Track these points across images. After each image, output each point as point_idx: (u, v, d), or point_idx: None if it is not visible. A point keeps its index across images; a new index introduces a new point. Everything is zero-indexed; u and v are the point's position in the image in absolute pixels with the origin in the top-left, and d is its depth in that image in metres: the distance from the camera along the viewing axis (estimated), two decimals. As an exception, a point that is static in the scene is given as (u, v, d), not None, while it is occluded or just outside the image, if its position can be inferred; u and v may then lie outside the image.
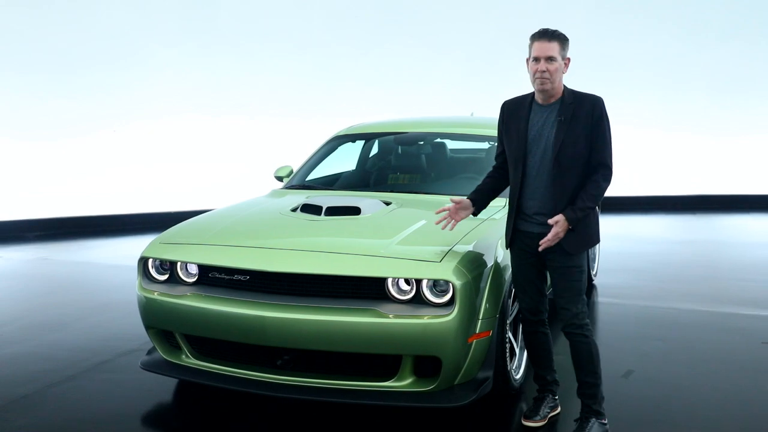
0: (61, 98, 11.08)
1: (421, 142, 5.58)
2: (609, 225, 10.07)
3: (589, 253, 6.44)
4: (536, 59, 3.27)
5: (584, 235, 3.37)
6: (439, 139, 5.55)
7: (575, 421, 3.46)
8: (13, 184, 10.54)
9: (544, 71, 3.26)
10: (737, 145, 12.85)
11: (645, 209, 12.05)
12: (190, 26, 11.88)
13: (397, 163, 5.54)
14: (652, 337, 5.01)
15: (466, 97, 11.57)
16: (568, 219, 3.25)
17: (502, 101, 3.58)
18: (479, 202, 3.60)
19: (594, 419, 3.40)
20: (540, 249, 3.31)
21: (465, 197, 3.59)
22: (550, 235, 3.25)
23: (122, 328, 5.24)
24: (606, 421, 3.42)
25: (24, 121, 10.86)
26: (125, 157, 11.38)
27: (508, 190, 3.58)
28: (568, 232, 3.29)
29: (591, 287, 6.47)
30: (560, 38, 3.31)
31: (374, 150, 5.85)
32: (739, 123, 12.91)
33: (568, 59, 3.36)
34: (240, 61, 12.14)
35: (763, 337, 5.03)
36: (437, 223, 3.55)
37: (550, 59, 3.25)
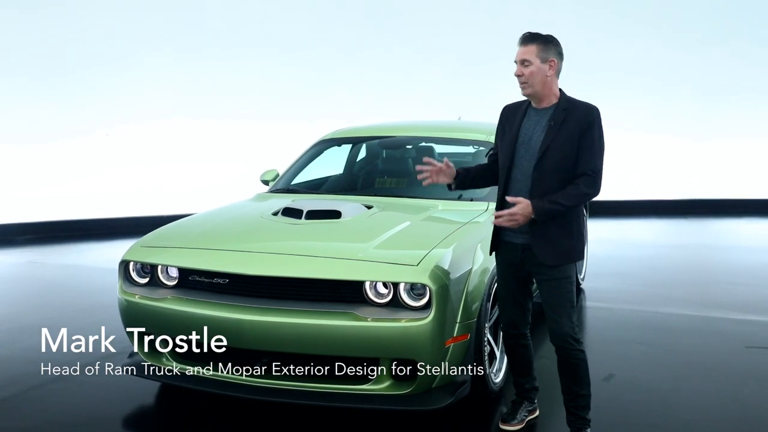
0: (49, 102, 11.10)
1: (410, 146, 5.59)
2: (601, 229, 10.10)
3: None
4: (515, 62, 3.28)
5: (562, 247, 3.27)
6: (424, 143, 5.56)
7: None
8: (2, 187, 10.55)
9: (519, 75, 3.25)
10: (732, 149, 12.89)
11: (637, 213, 12.07)
12: (179, 30, 11.91)
13: (385, 167, 5.54)
14: (635, 341, 5.01)
15: (455, 102, 11.59)
16: (533, 206, 3.15)
17: (502, 106, 3.53)
18: (462, 178, 3.50)
19: (589, 428, 3.40)
20: (494, 222, 3.26)
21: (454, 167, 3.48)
22: (504, 212, 3.18)
23: (107, 331, 5.21)
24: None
25: (12, 124, 10.87)
26: (116, 160, 11.39)
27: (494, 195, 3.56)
28: (544, 243, 3.23)
29: (578, 291, 6.48)
30: (539, 40, 3.24)
31: (362, 154, 5.86)
32: (732, 126, 12.95)
33: (553, 60, 3.25)
34: (228, 64, 12.19)
35: (747, 341, 5.04)
36: (419, 169, 3.48)
37: (524, 62, 3.23)
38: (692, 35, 12.88)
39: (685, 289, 6.70)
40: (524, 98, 3.39)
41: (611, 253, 8.41)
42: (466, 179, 3.55)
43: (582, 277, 6.67)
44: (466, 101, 11.21)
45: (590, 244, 7.83)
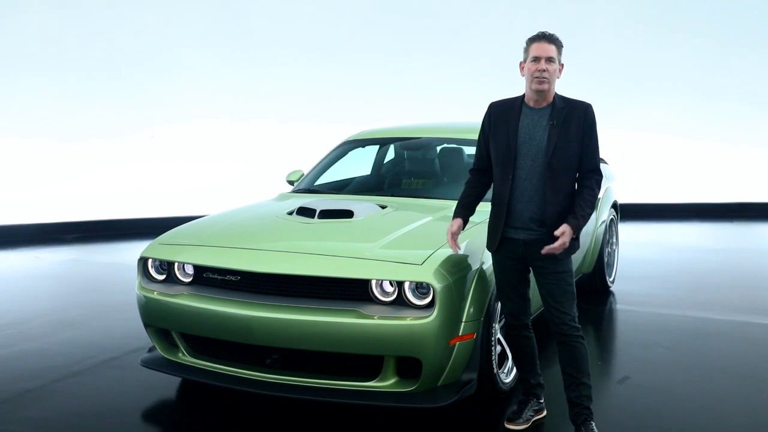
0: (96, 102, 11.47)
1: (439, 147, 5.60)
2: (642, 232, 9.98)
3: (607, 258, 6.40)
4: (536, 59, 3.31)
5: (573, 241, 3.36)
6: (446, 144, 5.57)
7: (578, 425, 3.39)
8: (51, 185, 10.91)
9: (543, 70, 3.29)
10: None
11: (681, 216, 11.80)
12: (218, 32, 12.19)
13: (411, 168, 5.57)
14: (655, 344, 4.94)
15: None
16: (572, 227, 3.26)
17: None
18: (467, 218, 3.60)
19: (593, 422, 3.38)
20: (543, 252, 3.29)
21: (459, 220, 3.54)
22: (557, 244, 3.24)
23: (136, 327, 5.34)
24: None
25: (61, 124, 11.27)
26: (160, 159, 11.68)
27: (490, 192, 3.58)
28: (554, 239, 3.28)
29: (608, 294, 6.42)
30: (557, 42, 3.37)
31: (390, 155, 5.90)
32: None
33: (562, 65, 3.42)
34: (268, 66, 12.38)
35: (774, 347, 4.93)
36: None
37: (549, 59, 3.30)
38: (741, 39, 12.60)
39: (720, 294, 6.55)
40: (511, 96, 3.48)
41: (648, 257, 8.28)
42: (472, 211, 3.60)
43: (612, 279, 6.60)
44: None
45: (627, 247, 7.79)
